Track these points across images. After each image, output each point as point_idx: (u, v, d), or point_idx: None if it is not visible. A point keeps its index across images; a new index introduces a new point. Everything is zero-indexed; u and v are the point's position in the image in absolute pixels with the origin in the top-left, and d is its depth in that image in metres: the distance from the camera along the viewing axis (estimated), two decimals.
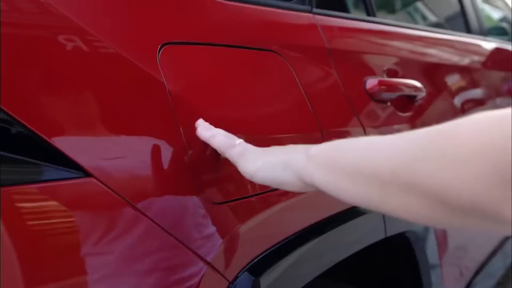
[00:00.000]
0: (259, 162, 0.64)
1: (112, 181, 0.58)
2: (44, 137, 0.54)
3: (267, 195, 0.78)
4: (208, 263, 0.66)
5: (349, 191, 0.54)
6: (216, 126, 0.69)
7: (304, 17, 1.03)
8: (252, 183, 0.73)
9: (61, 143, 0.55)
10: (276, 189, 0.78)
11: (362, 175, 0.52)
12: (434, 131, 0.46)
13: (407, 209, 0.48)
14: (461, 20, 2.03)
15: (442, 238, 1.35)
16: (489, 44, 2.01)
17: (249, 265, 0.73)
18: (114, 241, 0.58)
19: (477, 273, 1.63)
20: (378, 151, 0.51)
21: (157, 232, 0.62)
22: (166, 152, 0.65)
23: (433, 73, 1.48)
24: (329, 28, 1.08)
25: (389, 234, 1.09)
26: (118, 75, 0.64)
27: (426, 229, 1.25)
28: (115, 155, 0.60)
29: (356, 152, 0.54)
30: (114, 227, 0.58)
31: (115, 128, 0.61)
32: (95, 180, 0.57)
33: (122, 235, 0.59)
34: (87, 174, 0.57)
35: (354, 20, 1.24)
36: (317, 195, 0.87)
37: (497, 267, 1.80)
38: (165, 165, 0.65)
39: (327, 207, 0.92)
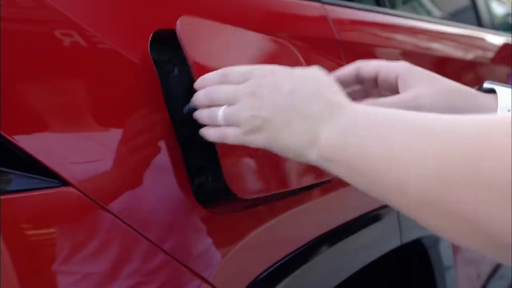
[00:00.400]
0: (266, 138, 0.52)
1: (94, 190, 0.51)
2: (8, 137, 0.45)
3: (272, 203, 0.72)
4: (207, 281, 0.60)
5: (373, 194, 0.47)
6: None
7: (313, 7, 0.96)
8: (254, 188, 0.66)
9: (30, 144, 0.47)
10: (282, 197, 0.72)
11: (387, 187, 0.44)
12: (472, 142, 0.38)
13: (443, 233, 0.42)
14: (472, 14, 1.97)
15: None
16: (501, 39, 1.96)
17: (254, 282, 0.67)
18: (97, 260, 0.51)
19: (491, 275, 1.60)
20: (404, 161, 0.42)
21: (146, 247, 0.55)
22: (158, 155, 0.57)
23: (447, 68, 1.42)
24: (339, 19, 1.02)
25: (404, 241, 1.05)
26: (100, 63, 0.55)
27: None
28: (97, 158, 0.52)
29: (379, 157, 0.44)
30: (97, 243, 0.51)
31: (97, 125, 0.53)
32: (73, 190, 0.49)
33: (106, 252, 0.52)
34: (63, 182, 0.49)
35: (365, 11, 1.18)
36: (328, 201, 0.82)
37: (509, 269, 1.76)
38: (157, 171, 0.57)
39: (338, 214, 0.86)
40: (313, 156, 0.50)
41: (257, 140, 0.53)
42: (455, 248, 1.29)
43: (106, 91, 0.55)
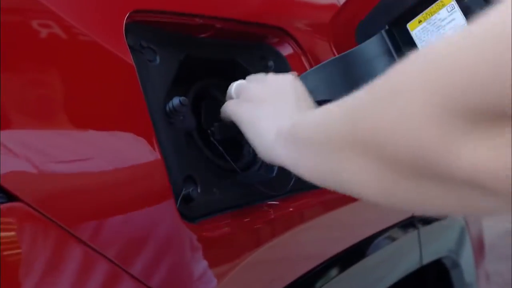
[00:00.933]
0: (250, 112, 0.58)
1: (50, 207, 0.40)
2: None
3: (274, 219, 0.63)
4: None
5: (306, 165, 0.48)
6: None
7: None
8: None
9: None
10: (288, 211, 0.64)
11: (316, 144, 0.45)
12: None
13: (355, 180, 0.40)
14: None
15: (479, 257, 1.26)
16: None
17: None
18: None
19: None
20: (331, 115, 0.44)
21: (121, 279, 0.44)
22: (133, 162, 0.47)
23: None
24: None
25: (425, 261, 0.97)
26: (59, 50, 0.45)
27: (462, 248, 1.15)
28: (54, 167, 0.42)
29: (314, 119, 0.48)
30: (56, 275, 0.41)
31: (56, 127, 0.43)
32: (24, 206, 0.39)
33: (68, 286, 0.41)
34: (11, 197, 0.39)
35: None
36: (343, 216, 0.72)
37: None
38: (132, 182, 0.47)
39: (352, 232, 0.76)
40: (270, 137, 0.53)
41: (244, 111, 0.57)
42: (477, 264, 1.22)
43: (69, 84, 0.45)
